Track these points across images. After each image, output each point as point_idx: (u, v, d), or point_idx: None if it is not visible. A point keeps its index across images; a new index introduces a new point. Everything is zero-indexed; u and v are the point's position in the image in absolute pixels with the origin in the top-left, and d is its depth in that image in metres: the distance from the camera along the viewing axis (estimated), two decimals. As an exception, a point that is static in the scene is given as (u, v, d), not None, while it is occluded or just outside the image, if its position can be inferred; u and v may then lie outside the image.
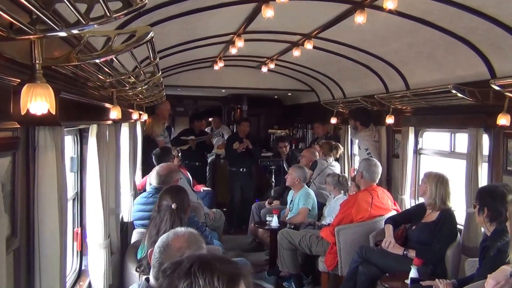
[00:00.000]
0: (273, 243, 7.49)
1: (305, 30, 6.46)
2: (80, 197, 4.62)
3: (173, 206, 4.46)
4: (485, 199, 4.39)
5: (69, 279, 4.32)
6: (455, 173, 6.05)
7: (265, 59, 9.00)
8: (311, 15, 5.73)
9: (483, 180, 5.58)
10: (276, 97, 14.60)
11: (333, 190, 7.55)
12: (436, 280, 4.59)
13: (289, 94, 12.99)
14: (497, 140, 5.38)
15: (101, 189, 4.43)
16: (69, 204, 4.19)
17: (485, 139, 5.57)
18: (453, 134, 6.51)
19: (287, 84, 11.05)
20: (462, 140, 6.22)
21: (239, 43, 6.70)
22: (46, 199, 2.92)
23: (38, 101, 2.29)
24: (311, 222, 7.44)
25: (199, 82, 10.65)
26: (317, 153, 9.27)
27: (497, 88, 4.71)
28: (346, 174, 8.97)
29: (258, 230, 8.40)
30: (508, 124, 4.87)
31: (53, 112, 2.40)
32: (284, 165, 10.35)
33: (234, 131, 13.19)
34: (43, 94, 2.31)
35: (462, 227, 5.71)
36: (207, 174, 12.45)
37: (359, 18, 4.88)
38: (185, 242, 2.90)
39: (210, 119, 14.27)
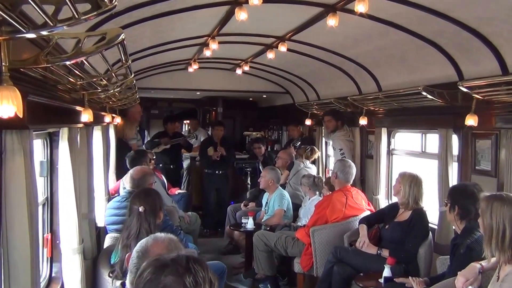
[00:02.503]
0: (249, 245, 7.49)
1: (278, 32, 6.49)
2: (50, 202, 4.55)
3: (140, 209, 4.45)
4: (456, 198, 4.45)
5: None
6: (426, 173, 6.11)
7: (240, 61, 9.02)
8: (284, 18, 5.76)
9: (453, 179, 5.67)
10: (251, 99, 14.62)
11: (308, 191, 7.58)
12: (410, 277, 4.65)
13: (264, 96, 13.02)
14: (465, 140, 5.48)
15: (74, 194, 4.37)
16: (39, 209, 4.12)
17: (455, 140, 5.67)
18: (424, 135, 6.60)
19: (262, 86, 11.07)
20: (433, 140, 6.30)
21: (213, 45, 6.70)
22: (15, 204, 2.86)
23: (4, 104, 2.25)
24: (287, 223, 7.46)
25: (173, 84, 10.61)
26: (293, 155, 9.32)
27: (464, 89, 4.81)
28: (321, 175, 9.01)
29: (233, 232, 8.40)
30: (475, 124, 4.96)
31: (21, 115, 2.37)
32: (260, 167, 10.36)
33: (210, 133, 13.19)
34: (10, 97, 2.27)
35: (435, 226, 5.79)
36: (183, 177, 12.40)
37: (331, 21, 4.92)
38: (164, 248, 2.88)
39: (186, 121, 14.19)
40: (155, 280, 1.92)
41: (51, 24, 2.01)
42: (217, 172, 10.41)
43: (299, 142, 10.03)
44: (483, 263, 3.62)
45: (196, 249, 6.25)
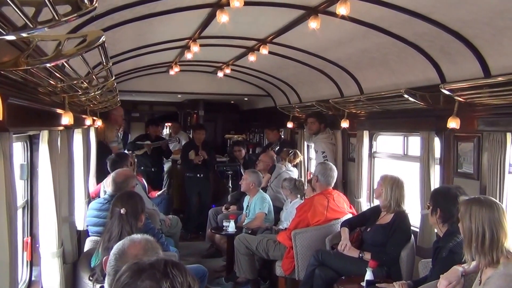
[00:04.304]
0: (230, 249, 7.47)
1: (260, 35, 6.49)
2: (30, 205, 4.51)
3: (122, 211, 4.44)
4: (438, 200, 4.47)
5: (19, 291, 4.21)
6: (408, 176, 6.15)
7: (221, 64, 9.01)
8: (265, 20, 5.76)
9: (436, 182, 5.69)
10: (232, 102, 14.63)
11: (290, 194, 7.59)
12: (394, 283, 4.64)
13: (246, 99, 13.03)
14: (447, 143, 5.50)
15: (54, 197, 4.35)
16: (19, 212, 4.08)
17: (437, 142, 5.70)
18: (406, 138, 6.63)
19: (243, 89, 11.09)
20: (415, 143, 6.33)
21: (195, 48, 6.68)
22: (-6, 207, 2.84)
23: (-16, 107, 2.23)
24: (268, 226, 7.46)
25: (154, 87, 10.59)
26: (274, 157, 9.32)
27: (446, 92, 4.82)
28: (303, 178, 9.03)
29: (215, 236, 8.39)
30: (457, 127, 4.97)
31: (0, 118, 2.34)
32: (241, 170, 10.37)
33: (191, 136, 13.19)
34: (-11, 100, 2.25)
35: (417, 229, 5.81)
36: (164, 180, 12.36)
37: (313, 23, 4.92)
38: (141, 249, 2.86)
39: (167, 124, 14.13)
40: (132, 285, 1.90)
41: (31, 26, 1.98)
42: (198, 175, 10.38)
43: (278, 147, 10.04)
44: (466, 266, 3.64)
45: (177, 253, 6.22)
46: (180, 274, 1.91)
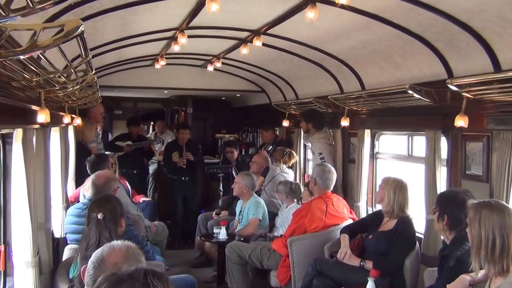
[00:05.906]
0: (221, 257, 7.46)
1: (253, 26, 6.47)
2: (3, 210, 4.50)
3: (99, 216, 4.41)
4: (445, 206, 4.47)
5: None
6: (412, 178, 6.15)
7: (211, 57, 8.98)
8: (259, 10, 5.75)
9: (442, 185, 5.70)
10: (223, 98, 14.59)
11: (285, 199, 7.58)
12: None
13: (238, 95, 12.99)
14: (455, 143, 5.51)
15: (29, 201, 4.34)
16: (-9, 218, 4.08)
17: (444, 142, 5.71)
18: (410, 137, 6.65)
19: (235, 85, 11.06)
20: (420, 143, 6.35)
21: (182, 39, 6.65)
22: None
23: (-49, 102, 2.22)
24: (262, 233, 7.45)
25: (138, 82, 10.55)
26: (269, 159, 9.31)
27: (454, 88, 4.82)
28: (300, 181, 9.02)
29: (204, 243, 8.37)
30: (466, 126, 4.97)
31: (-31, 115, 2.33)
32: (233, 172, 10.35)
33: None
34: (-43, 95, 2.24)
35: (422, 235, 5.82)
36: (149, 183, 12.32)
37: (311, 13, 4.90)
38: (122, 256, 2.85)
39: (152, 123, 14.07)
40: None
41: (3, 14, 1.98)
42: (183, 178, 10.39)
43: (271, 146, 10.02)
44: (473, 275, 3.65)
45: (164, 262, 6.22)
46: (161, 285, 1.91)
